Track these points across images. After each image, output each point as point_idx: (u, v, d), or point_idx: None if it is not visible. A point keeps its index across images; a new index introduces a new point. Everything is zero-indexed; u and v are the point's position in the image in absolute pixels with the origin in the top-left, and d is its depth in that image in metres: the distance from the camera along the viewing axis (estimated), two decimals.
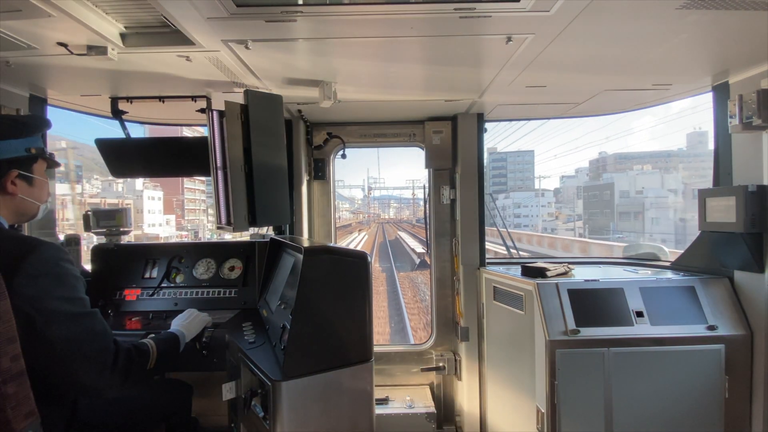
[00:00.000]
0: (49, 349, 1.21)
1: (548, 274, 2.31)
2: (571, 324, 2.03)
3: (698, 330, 2.02)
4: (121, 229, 2.65)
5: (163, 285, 2.47)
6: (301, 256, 1.77)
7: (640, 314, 2.07)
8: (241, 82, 2.10)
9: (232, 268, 2.55)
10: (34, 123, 1.43)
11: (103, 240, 2.64)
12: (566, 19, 1.46)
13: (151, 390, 1.89)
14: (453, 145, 2.98)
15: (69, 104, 2.47)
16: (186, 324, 1.83)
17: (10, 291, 1.13)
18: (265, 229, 2.92)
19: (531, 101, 2.60)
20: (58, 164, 1.57)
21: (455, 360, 2.99)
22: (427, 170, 3.12)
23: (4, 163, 1.34)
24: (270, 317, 2.08)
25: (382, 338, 8.87)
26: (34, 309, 1.19)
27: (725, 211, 1.99)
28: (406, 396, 2.90)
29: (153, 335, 1.62)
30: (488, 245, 3.01)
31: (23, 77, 2.00)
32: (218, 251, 2.60)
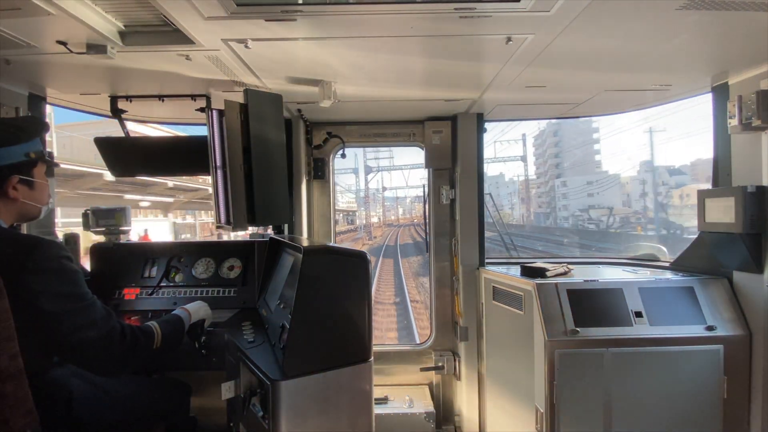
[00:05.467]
0: (59, 339, 1.31)
1: (548, 274, 2.31)
2: (571, 324, 2.03)
3: (697, 330, 2.02)
4: (121, 228, 2.64)
5: (162, 284, 2.46)
6: (300, 256, 1.77)
7: (639, 315, 2.07)
8: (240, 81, 2.10)
9: (231, 268, 2.54)
10: (32, 127, 1.46)
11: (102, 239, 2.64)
12: (566, 19, 1.46)
13: (150, 389, 1.89)
14: (453, 144, 2.98)
15: (68, 103, 2.46)
16: (189, 307, 1.88)
17: (17, 287, 1.19)
18: (264, 228, 2.91)
19: (531, 101, 2.60)
20: (57, 164, 1.57)
21: (454, 360, 2.99)
22: (426, 170, 3.12)
23: (5, 169, 1.35)
24: (269, 317, 2.08)
25: None
26: (41, 303, 1.26)
27: (724, 211, 1.98)
28: (405, 395, 2.90)
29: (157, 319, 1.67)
30: None
31: (22, 76, 1.99)
32: (217, 250, 2.59)
